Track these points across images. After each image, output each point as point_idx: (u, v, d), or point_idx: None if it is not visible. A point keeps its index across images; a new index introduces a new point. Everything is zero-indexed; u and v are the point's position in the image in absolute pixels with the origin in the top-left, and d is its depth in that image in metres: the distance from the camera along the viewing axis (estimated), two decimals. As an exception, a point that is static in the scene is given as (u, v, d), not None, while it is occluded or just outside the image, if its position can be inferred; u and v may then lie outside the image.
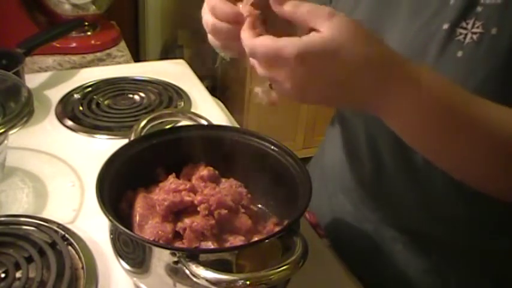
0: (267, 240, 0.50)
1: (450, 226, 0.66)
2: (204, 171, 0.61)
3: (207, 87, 1.11)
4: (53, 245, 0.62)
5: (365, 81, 0.47)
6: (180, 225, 0.55)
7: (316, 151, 0.92)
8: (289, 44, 0.45)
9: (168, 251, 0.48)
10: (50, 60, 1.24)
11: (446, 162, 0.54)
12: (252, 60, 0.50)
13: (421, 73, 0.48)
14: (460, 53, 0.55)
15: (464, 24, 0.55)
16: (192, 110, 0.98)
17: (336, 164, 0.80)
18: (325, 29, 0.45)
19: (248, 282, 0.44)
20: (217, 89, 2.33)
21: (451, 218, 0.66)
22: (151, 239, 0.53)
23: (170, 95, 1.04)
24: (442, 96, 0.49)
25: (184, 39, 2.27)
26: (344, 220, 0.78)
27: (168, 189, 0.57)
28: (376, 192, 0.72)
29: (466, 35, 0.55)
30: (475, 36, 0.55)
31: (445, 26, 0.56)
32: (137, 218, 0.56)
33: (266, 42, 0.47)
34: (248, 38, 0.49)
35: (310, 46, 0.45)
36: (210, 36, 0.59)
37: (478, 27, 0.54)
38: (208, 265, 0.45)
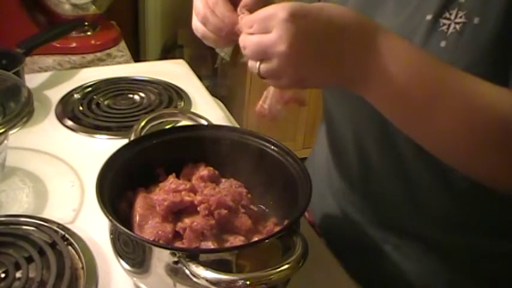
0: (267, 240, 0.50)
1: (440, 226, 0.66)
2: (204, 171, 0.61)
3: (207, 87, 1.11)
4: (53, 245, 0.62)
5: (351, 40, 0.49)
6: (180, 225, 0.55)
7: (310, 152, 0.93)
8: (278, 6, 0.47)
9: (168, 251, 0.48)
10: (50, 60, 1.24)
11: (431, 140, 0.53)
12: (243, 43, 0.51)
13: (401, 47, 0.50)
14: (443, 43, 0.56)
15: (447, 15, 0.56)
16: (192, 110, 0.98)
17: (323, 165, 0.81)
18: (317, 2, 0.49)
19: (248, 282, 0.44)
20: (217, 89, 2.33)
21: (441, 218, 0.65)
22: (151, 239, 0.53)
23: (170, 95, 1.04)
24: (416, 64, 0.50)
25: (184, 39, 2.27)
26: (335, 221, 0.78)
27: (168, 189, 0.57)
28: (364, 192, 0.72)
29: (449, 25, 0.55)
30: (457, 26, 0.55)
31: (428, 17, 0.57)
32: (137, 218, 0.56)
33: (255, 14, 0.50)
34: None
35: (298, 5, 0.48)
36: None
37: (461, 17, 0.55)
38: (208, 265, 0.45)
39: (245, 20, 0.53)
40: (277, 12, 0.47)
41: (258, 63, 0.50)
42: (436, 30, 0.56)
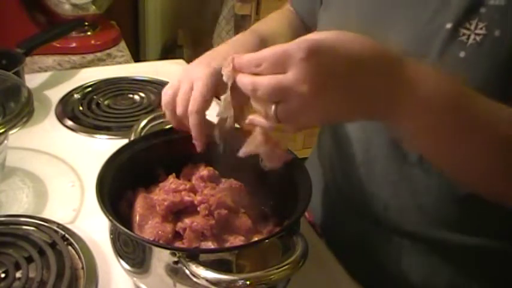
0: (267, 240, 0.50)
1: (442, 227, 0.66)
2: (204, 171, 0.61)
3: (207, 87, 1.11)
4: (53, 245, 0.62)
5: (374, 73, 0.46)
6: (180, 225, 0.54)
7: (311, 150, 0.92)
8: (297, 42, 0.43)
9: (168, 251, 0.48)
10: (50, 60, 1.24)
11: (452, 163, 0.53)
12: (252, 85, 0.46)
13: (428, 74, 0.47)
14: (462, 54, 0.55)
15: (467, 25, 0.55)
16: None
17: (325, 165, 0.81)
18: (327, 33, 0.45)
19: (248, 282, 0.44)
20: (217, 89, 2.33)
21: (443, 220, 0.65)
22: (151, 239, 0.53)
23: (170, 95, 1.04)
24: (450, 96, 0.48)
25: (184, 39, 2.27)
26: (335, 220, 0.78)
27: (168, 189, 0.57)
28: (366, 194, 0.72)
29: (469, 36, 0.55)
30: (478, 38, 0.54)
31: (448, 26, 0.56)
32: (137, 218, 0.56)
33: (261, 52, 0.45)
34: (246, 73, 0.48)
35: (320, 40, 0.44)
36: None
37: (481, 29, 0.54)
38: (208, 265, 0.45)
39: (248, 58, 0.47)
40: (292, 50, 0.43)
41: (273, 106, 0.46)
42: (456, 39, 0.55)
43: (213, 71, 0.59)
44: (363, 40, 0.46)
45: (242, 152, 0.54)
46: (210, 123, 0.59)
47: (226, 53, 0.66)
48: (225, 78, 0.50)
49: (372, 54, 0.45)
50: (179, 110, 0.60)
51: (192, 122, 0.58)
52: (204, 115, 0.59)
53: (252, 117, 0.50)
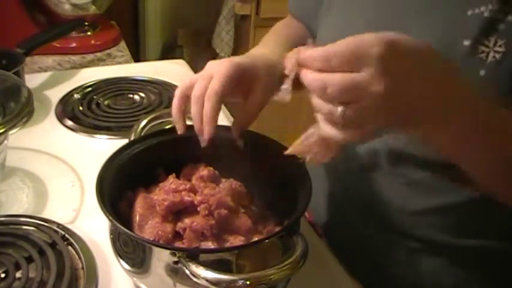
0: (267, 240, 0.50)
1: (443, 230, 0.66)
2: (204, 171, 0.61)
3: (207, 87, 1.11)
4: (53, 245, 0.62)
5: (443, 86, 0.44)
6: (180, 225, 0.54)
7: None
8: (369, 38, 0.40)
9: (168, 251, 0.48)
10: (50, 60, 1.24)
11: (479, 173, 0.53)
12: (321, 82, 0.42)
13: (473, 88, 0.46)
14: (482, 72, 0.54)
15: (486, 42, 0.54)
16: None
17: (328, 166, 0.80)
18: (397, 34, 0.42)
19: (248, 282, 0.44)
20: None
21: (444, 222, 0.65)
22: (151, 239, 0.53)
23: (170, 95, 1.04)
24: (486, 113, 0.48)
25: (184, 39, 2.27)
26: (336, 220, 0.78)
27: (168, 189, 0.57)
28: (368, 196, 0.72)
29: (488, 53, 0.54)
30: (497, 56, 0.53)
31: (466, 43, 0.55)
32: (137, 218, 0.56)
33: (331, 46, 0.41)
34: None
35: (396, 38, 0.41)
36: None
37: (500, 46, 0.53)
38: (208, 265, 0.45)
39: (315, 53, 0.43)
40: (368, 45, 0.40)
41: (341, 107, 0.42)
42: (475, 56, 0.54)
43: (235, 64, 0.58)
44: (425, 43, 0.44)
45: (289, 151, 0.52)
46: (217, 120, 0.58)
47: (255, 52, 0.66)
48: (287, 71, 0.47)
49: (437, 57, 0.44)
50: (196, 92, 0.57)
51: (208, 105, 0.56)
52: (221, 102, 0.56)
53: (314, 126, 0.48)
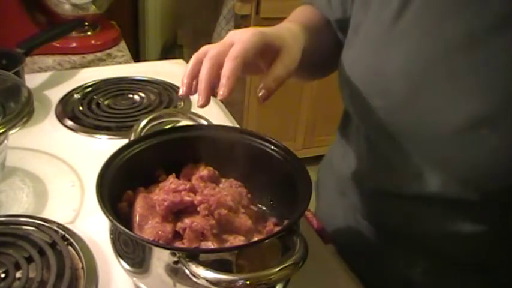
0: (267, 240, 0.50)
1: (464, 243, 0.64)
2: (204, 171, 0.61)
3: (207, 87, 1.11)
4: (53, 245, 0.62)
5: None
6: (180, 225, 0.54)
7: (327, 150, 0.89)
8: None
9: (168, 251, 0.48)
10: (50, 60, 1.24)
11: None
12: None
13: None
14: None
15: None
16: (192, 110, 0.98)
17: (341, 174, 0.78)
18: None
19: (248, 282, 0.44)
20: (217, 89, 2.33)
21: (451, 235, 0.64)
22: (151, 239, 0.53)
23: (170, 95, 1.04)
24: None
25: (184, 39, 2.27)
26: (344, 226, 0.78)
27: (168, 189, 0.57)
28: (377, 207, 0.71)
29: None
30: None
31: None
32: (137, 218, 0.56)
33: None
34: None
35: None
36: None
37: None
38: (208, 265, 0.45)
39: None
40: None
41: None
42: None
43: (260, 31, 0.55)
44: None
45: None
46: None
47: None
48: None
49: None
50: (214, 52, 0.53)
51: (229, 65, 0.51)
52: (242, 66, 0.52)
53: None
